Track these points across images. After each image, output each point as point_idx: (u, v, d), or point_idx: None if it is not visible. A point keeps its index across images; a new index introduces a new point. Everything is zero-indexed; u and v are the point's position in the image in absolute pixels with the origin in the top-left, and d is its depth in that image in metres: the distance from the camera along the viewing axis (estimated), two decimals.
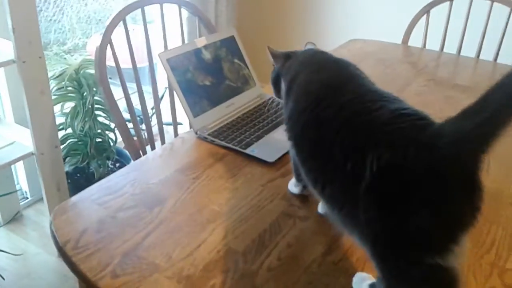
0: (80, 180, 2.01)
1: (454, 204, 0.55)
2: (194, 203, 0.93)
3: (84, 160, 1.92)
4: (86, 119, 1.81)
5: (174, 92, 1.74)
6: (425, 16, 2.00)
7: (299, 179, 0.92)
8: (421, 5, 2.00)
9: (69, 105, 1.91)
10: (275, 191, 0.98)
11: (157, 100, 1.73)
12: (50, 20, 2.71)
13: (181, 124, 1.85)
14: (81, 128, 1.83)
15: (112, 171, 2.12)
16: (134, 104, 1.57)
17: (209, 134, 1.15)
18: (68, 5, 2.79)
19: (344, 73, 0.79)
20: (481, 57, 1.94)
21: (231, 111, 1.27)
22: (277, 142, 1.14)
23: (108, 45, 1.45)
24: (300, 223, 0.89)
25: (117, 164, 2.15)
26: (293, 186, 0.97)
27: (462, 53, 1.97)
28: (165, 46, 1.72)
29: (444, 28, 1.98)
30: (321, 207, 0.91)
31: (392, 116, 0.61)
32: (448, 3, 1.95)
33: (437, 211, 0.54)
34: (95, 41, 3.12)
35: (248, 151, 1.09)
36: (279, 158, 1.08)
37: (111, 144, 1.98)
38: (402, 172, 0.55)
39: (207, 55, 1.25)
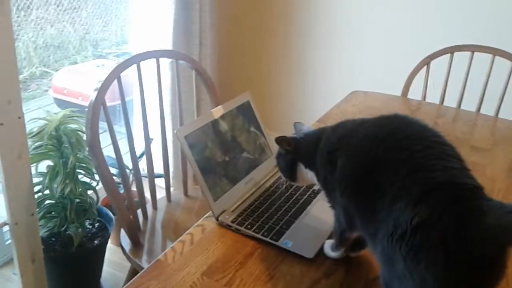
0: (55, 245, 1.79)
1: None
2: None
3: (62, 225, 1.70)
4: (67, 181, 1.61)
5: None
6: (425, 67, 1.95)
7: (342, 244, 0.90)
8: (421, 57, 1.95)
9: (45, 163, 1.70)
10: None
11: (150, 161, 1.57)
12: None
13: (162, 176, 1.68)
14: (61, 191, 1.62)
15: (91, 232, 1.91)
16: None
17: (232, 221, 1.01)
18: (25, 32, 2.58)
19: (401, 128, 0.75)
20: (481, 111, 1.91)
21: (251, 188, 1.13)
22: (309, 230, 1.01)
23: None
24: None
25: (96, 224, 1.94)
26: (330, 250, 0.93)
27: (462, 107, 1.94)
28: (160, 101, 1.57)
29: (445, 81, 1.94)
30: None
31: (447, 181, 0.63)
32: (448, 55, 1.92)
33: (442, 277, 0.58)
34: (61, 76, 2.90)
35: (281, 243, 0.95)
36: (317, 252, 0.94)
37: (92, 204, 1.78)
38: (430, 232, 0.59)
39: (224, 126, 1.11)
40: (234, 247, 0.95)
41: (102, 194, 2.01)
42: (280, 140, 0.96)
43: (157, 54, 1.52)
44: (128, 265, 1.49)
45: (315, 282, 0.88)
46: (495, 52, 1.86)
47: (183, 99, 1.68)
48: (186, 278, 0.86)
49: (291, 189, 1.14)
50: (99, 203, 1.94)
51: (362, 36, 2.51)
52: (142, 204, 1.56)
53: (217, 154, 1.07)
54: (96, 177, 1.78)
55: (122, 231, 1.48)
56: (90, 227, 1.92)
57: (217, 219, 1.02)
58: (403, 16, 2.37)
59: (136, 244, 1.44)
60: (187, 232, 0.99)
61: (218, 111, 1.11)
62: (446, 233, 0.57)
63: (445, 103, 1.95)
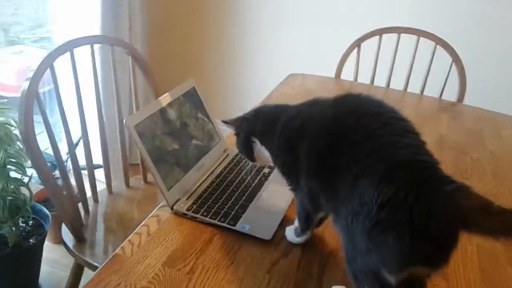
0: None
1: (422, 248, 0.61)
2: None
3: None
4: None
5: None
6: (356, 49, 2.03)
7: (309, 228, 0.92)
8: (353, 39, 2.03)
9: None
10: (284, 277, 0.86)
11: (89, 152, 1.50)
12: None
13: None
14: None
15: (25, 231, 1.80)
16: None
17: (188, 209, 1.00)
18: None
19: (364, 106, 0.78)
20: (408, 89, 2.03)
21: (203, 174, 1.13)
22: (265, 212, 1.03)
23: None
24: None
25: (31, 222, 1.83)
26: (294, 235, 0.94)
27: (390, 86, 2.04)
28: (97, 88, 1.50)
29: (374, 62, 2.03)
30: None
31: (409, 159, 0.66)
32: (377, 37, 2.00)
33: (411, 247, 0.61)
34: None
35: (238, 227, 0.97)
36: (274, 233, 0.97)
37: (26, 201, 1.68)
38: (396, 209, 0.62)
39: (172, 114, 1.09)
40: (192, 235, 0.95)
41: (34, 189, 1.90)
42: (228, 122, 0.96)
43: (91, 40, 1.45)
44: (67, 262, 1.44)
45: (275, 262, 0.90)
46: (420, 33, 1.98)
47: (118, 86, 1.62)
48: (147, 270, 0.85)
49: (242, 173, 1.15)
50: (32, 200, 1.84)
51: (297, 20, 2.54)
52: (83, 197, 1.50)
53: (167, 143, 1.05)
54: (28, 172, 1.68)
55: (64, 227, 1.42)
56: (24, 225, 1.81)
57: (172, 208, 1.01)
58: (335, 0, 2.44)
59: (80, 240, 1.39)
60: (142, 223, 0.97)
61: (165, 99, 1.08)
62: (412, 212, 0.60)
63: (375, 83, 2.05)
